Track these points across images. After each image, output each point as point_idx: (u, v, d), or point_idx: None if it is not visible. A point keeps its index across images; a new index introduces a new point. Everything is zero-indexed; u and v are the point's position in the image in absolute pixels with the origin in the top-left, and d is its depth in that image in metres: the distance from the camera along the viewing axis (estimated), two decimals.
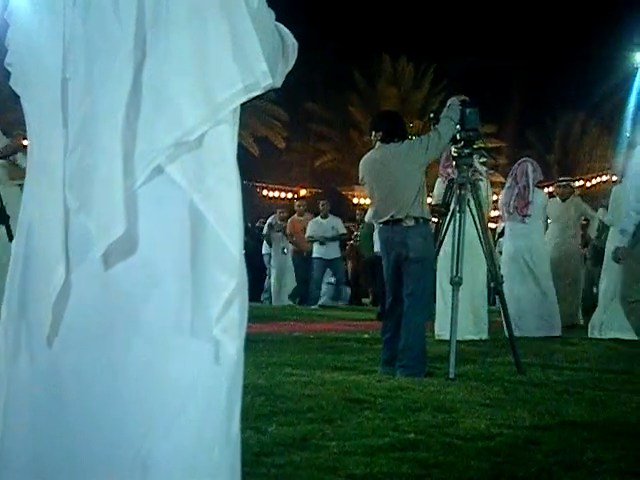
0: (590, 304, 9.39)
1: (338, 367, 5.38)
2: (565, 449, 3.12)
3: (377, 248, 10.70)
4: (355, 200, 21.55)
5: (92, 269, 1.36)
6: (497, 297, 6.25)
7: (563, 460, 2.96)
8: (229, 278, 1.37)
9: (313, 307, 12.75)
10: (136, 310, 1.35)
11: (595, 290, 9.76)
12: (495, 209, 9.80)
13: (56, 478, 1.35)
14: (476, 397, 4.29)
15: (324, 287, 14.07)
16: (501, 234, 9.32)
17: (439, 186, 7.70)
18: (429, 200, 6.73)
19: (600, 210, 9.27)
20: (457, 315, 5.33)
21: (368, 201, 10.01)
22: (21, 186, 1.77)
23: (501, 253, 8.93)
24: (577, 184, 9.35)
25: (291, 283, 13.84)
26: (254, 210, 14.70)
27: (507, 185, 8.52)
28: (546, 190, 11.35)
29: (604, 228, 9.09)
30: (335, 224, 13.25)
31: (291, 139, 28.90)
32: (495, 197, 9.20)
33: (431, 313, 6.74)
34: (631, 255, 5.42)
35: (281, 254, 13.70)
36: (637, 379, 5.17)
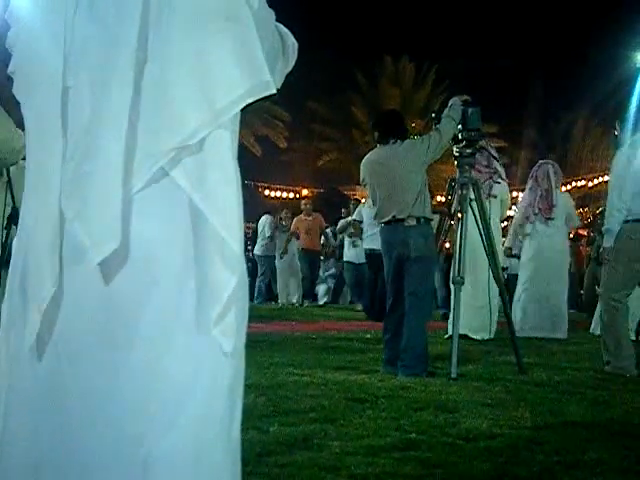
0: (594, 302, 9.40)
1: (340, 367, 5.38)
2: (567, 449, 3.12)
3: (368, 246, 10.78)
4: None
5: (91, 270, 1.36)
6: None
7: (565, 460, 2.96)
8: (230, 275, 1.37)
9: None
10: (137, 310, 1.36)
11: (598, 289, 9.75)
12: (509, 208, 9.73)
13: (56, 478, 1.36)
14: (478, 397, 4.29)
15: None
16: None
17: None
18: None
19: None
20: (459, 314, 5.33)
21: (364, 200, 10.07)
22: None
23: (516, 256, 8.94)
24: (579, 184, 9.28)
25: (295, 283, 13.83)
26: (256, 210, 14.67)
27: (528, 187, 8.49)
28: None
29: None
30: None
31: (293, 139, 28.91)
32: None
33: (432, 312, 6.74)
34: (618, 258, 5.42)
35: (290, 254, 13.67)
36: (638, 379, 5.17)
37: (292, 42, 1.66)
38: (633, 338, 5.80)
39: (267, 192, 24.03)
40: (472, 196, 5.55)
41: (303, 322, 9.80)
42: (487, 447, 3.13)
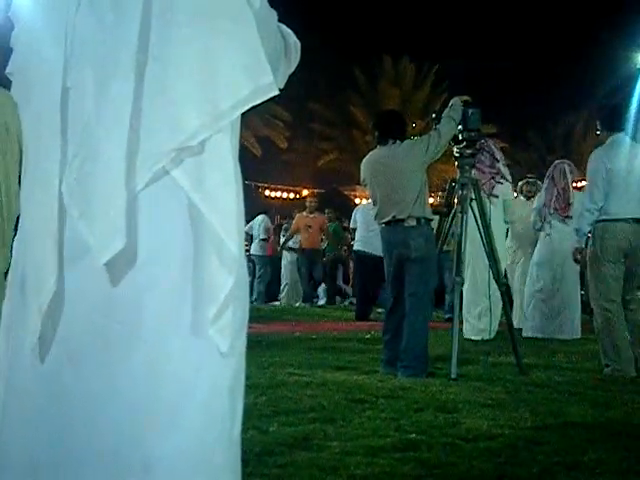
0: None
1: (340, 367, 5.38)
2: (567, 449, 3.12)
3: (358, 247, 10.80)
4: (357, 200, 21.55)
5: (90, 272, 1.36)
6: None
7: (565, 460, 2.96)
8: (228, 276, 1.37)
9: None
10: (136, 310, 1.35)
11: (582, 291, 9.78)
12: None
13: (55, 479, 1.36)
14: (478, 397, 4.28)
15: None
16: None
17: None
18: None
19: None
20: (458, 315, 5.33)
21: (370, 201, 10.06)
22: None
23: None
24: (579, 185, 9.25)
25: (292, 282, 13.83)
26: (256, 210, 14.66)
27: (544, 187, 8.47)
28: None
29: None
30: None
31: (293, 139, 28.92)
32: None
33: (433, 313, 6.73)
34: (597, 260, 5.42)
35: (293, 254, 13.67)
36: (638, 380, 5.17)
37: (294, 42, 1.65)
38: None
39: (267, 192, 24.02)
40: (472, 196, 5.55)
41: (303, 322, 9.79)
42: (487, 447, 3.13)
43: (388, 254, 5.42)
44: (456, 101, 5.41)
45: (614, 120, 5.60)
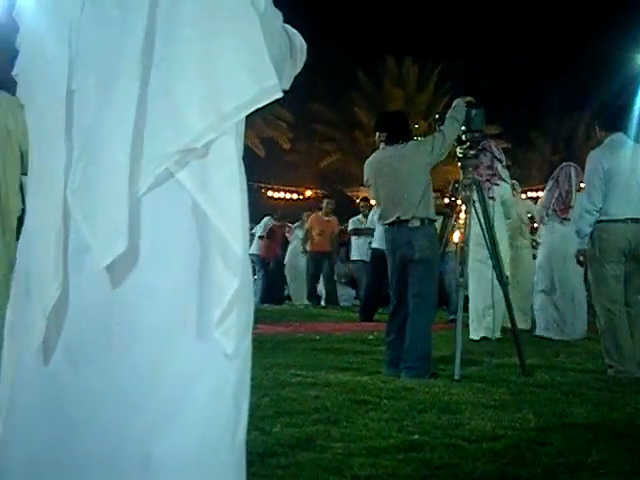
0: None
1: (343, 368, 5.38)
2: (570, 450, 3.11)
3: (374, 245, 10.81)
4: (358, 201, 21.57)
5: (94, 274, 1.36)
6: None
7: (568, 461, 2.95)
8: (233, 277, 1.37)
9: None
10: (140, 312, 1.35)
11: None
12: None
13: (57, 479, 1.36)
14: (481, 398, 4.28)
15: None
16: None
17: None
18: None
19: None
20: (461, 316, 5.32)
21: (373, 202, 10.06)
22: None
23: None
24: (582, 185, 9.26)
25: (299, 283, 13.82)
26: (259, 211, 14.67)
27: (547, 188, 8.48)
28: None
29: None
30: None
31: (296, 140, 28.92)
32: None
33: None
34: (596, 261, 5.41)
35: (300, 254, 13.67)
36: None
37: (300, 43, 1.65)
38: None
39: (270, 193, 24.02)
40: (475, 197, 5.55)
41: (306, 323, 9.80)
42: (490, 448, 3.13)
43: (392, 255, 5.42)
44: (459, 102, 5.40)
45: (612, 120, 5.58)
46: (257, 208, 14.71)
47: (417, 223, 5.26)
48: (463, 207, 5.65)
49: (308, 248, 13.37)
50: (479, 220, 5.57)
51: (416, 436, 3.30)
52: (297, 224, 14.59)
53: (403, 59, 29.79)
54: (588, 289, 9.41)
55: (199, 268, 1.37)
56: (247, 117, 1.44)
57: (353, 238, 12.73)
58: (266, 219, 14.15)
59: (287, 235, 14.91)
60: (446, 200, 8.36)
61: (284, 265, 14.32)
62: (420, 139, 5.63)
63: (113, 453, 1.33)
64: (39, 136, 1.46)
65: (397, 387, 4.61)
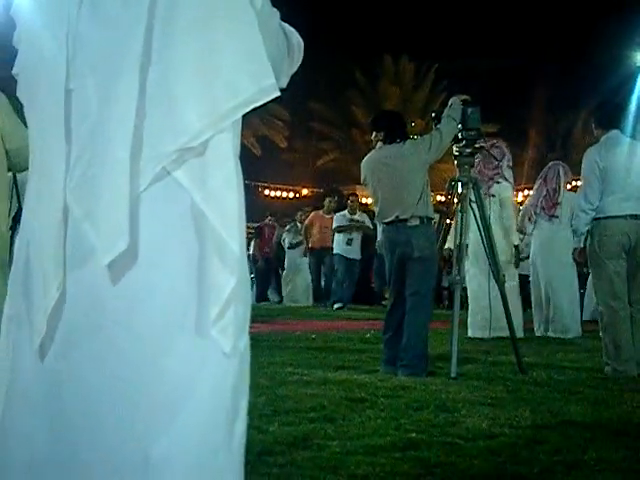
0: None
1: (340, 366, 5.38)
2: (567, 448, 3.11)
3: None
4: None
5: (93, 272, 1.36)
6: None
7: (565, 460, 2.95)
8: (230, 276, 1.37)
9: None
10: (138, 311, 1.35)
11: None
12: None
13: (56, 478, 1.36)
14: (478, 396, 4.28)
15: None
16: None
17: None
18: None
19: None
20: (458, 314, 5.33)
21: (370, 200, 10.09)
22: None
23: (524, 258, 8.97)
24: (579, 183, 9.29)
25: (302, 283, 13.83)
26: (255, 210, 14.69)
27: (535, 187, 8.52)
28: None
29: None
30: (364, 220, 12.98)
31: (293, 138, 28.92)
32: None
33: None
34: (596, 258, 5.41)
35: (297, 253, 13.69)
36: (639, 379, 5.17)
37: (297, 41, 1.65)
38: None
39: (267, 192, 24.01)
40: (472, 196, 5.55)
41: (303, 321, 9.80)
42: (487, 447, 3.13)
43: (390, 253, 5.42)
44: (455, 100, 5.41)
45: (609, 118, 5.58)
46: (253, 207, 14.71)
47: (416, 222, 5.26)
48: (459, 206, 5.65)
49: (310, 245, 13.42)
50: (475, 219, 5.57)
51: (413, 434, 3.30)
52: (288, 227, 14.58)
53: (400, 58, 29.80)
54: (581, 286, 9.47)
55: (196, 266, 1.37)
56: (243, 116, 1.44)
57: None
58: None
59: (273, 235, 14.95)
60: (441, 198, 8.41)
61: (272, 264, 14.41)
62: (417, 138, 5.63)
63: (112, 452, 1.33)
64: (39, 135, 1.47)
65: (394, 385, 4.62)
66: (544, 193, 8.27)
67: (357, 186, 20.42)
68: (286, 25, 1.62)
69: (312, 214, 13.68)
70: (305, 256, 13.69)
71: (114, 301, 1.35)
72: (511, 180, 8.01)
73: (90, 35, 1.39)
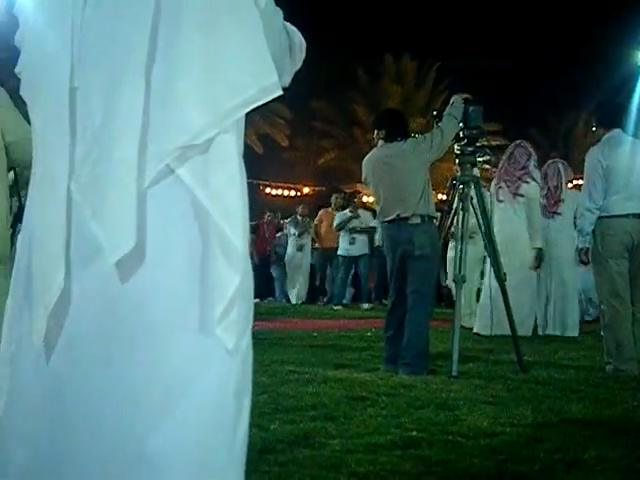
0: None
1: (341, 365, 5.38)
2: (568, 447, 3.12)
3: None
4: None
5: (98, 271, 1.36)
6: None
7: (565, 458, 2.95)
8: (234, 273, 1.37)
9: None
10: (143, 310, 1.36)
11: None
12: None
13: (55, 477, 1.36)
14: (479, 395, 4.29)
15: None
16: None
17: None
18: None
19: None
20: (460, 312, 5.34)
21: (371, 199, 10.08)
22: None
23: None
24: (580, 182, 9.27)
25: (303, 282, 13.83)
26: (257, 208, 14.68)
27: None
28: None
29: None
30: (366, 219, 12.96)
31: (294, 137, 28.88)
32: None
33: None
34: (598, 257, 5.41)
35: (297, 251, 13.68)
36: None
37: (300, 40, 1.65)
38: None
39: (268, 190, 24.00)
40: (473, 194, 5.55)
41: (304, 320, 9.80)
42: (488, 445, 3.13)
43: (391, 252, 5.42)
44: (456, 99, 5.41)
45: (611, 117, 5.58)
46: (254, 205, 14.69)
47: (417, 220, 5.27)
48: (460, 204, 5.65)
49: (317, 245, 13.42)
50: (477, 218, 5.57)
51: (414, 432, 3.30)
52: (289, 220, 14.57)
53: (401, 56, 29.75)
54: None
55: (200, 264, 1.37)
56: (246, 114, 1.44)
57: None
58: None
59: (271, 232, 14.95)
60: (442, 197, 8.42)
61: (270, 261, 14.42)
62: (418, 136, 5.62)
63: (112, 450, 1.33)
64: (43, 133, 1.47)
65: (395, 384, 4.62)
66: (545, 191, 8.27)
67: (358, 184, 20.42)
68: (288, 24, 1.62)
69: (321, 212, 13.73)
70: (301, 250, 13.67)
71: (119, 300, 1.35)
72: (538, 180, 8.01)
73: (95, 33, 1.40)
